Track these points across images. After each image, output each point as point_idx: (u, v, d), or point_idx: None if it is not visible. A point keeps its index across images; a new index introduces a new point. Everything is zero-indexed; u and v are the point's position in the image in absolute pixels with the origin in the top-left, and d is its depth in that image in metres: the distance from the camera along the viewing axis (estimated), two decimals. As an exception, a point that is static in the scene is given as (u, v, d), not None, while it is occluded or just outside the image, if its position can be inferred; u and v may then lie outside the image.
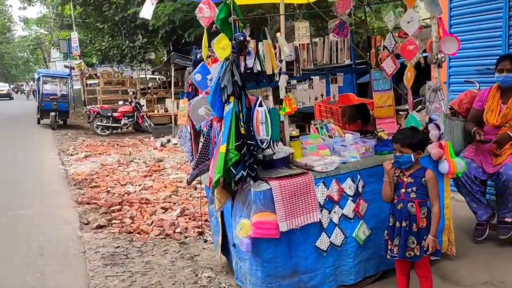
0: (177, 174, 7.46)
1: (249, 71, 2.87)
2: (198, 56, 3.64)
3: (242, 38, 2.70)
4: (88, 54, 27.68)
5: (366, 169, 3.07)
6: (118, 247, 4.15)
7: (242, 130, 2.74)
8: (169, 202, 5.74)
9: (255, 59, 2.82)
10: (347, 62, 4.09)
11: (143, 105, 15.45)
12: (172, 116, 13.27)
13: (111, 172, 7.60)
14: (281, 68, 3.03)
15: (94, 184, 6.72)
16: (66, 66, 24.38)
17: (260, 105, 2.84)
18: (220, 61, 2.82)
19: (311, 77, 3.92)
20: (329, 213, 2.97)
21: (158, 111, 16.58)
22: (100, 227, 4.78)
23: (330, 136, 3.60)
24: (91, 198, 5.89)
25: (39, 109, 15.92)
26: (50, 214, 5.22)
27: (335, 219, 2.99)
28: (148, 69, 24.19)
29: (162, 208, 5.44)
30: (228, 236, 3.33)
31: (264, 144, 2.85)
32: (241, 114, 2.76)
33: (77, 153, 9.78)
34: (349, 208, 3.02)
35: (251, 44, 2.80)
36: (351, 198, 3.02)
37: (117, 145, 11.17)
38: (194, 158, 3.59)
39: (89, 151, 9.92)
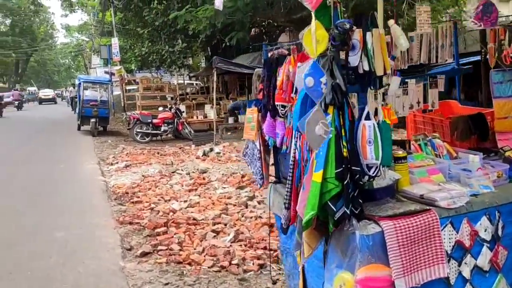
0: (224, 188, 6.80)
1: (351, 71, 2.14)
2: (269, 54, 2.94)
3: (348, 26, 1.97)
4: (127, 61, 27.77)
5: (507, 204, 2.27)
6: (167, 284, 3.48)
7: (345, 152, 2.00)
8: (220, 223, 5.06)
9: (361, 55, 2.08)
10: (449, 61, 3.28)
11: (183, 112, 14.97)
12: (214, 122, 12.70)
13: (154, 185, 7.01)
14: (392, 67, 2.28)
15: (136, 199, 6.14)
16: (106, 72, 24.40)
17: (367, 117, 2.10)
18: (312, 58, 2.09)
19: (406, 80, 3.16)
20: (459, 265, 2.18)
21: (197, 117, 16.06)
22: (144, 254, 4.14)
23: (437, 156, 2.81)
24: (133, 217, 5.28)
25: (79, 115, 15.74)
26: (89, 237, 4.64)
27: (466, 273, 2.19)
28: (187, 74, 23.89)
29: (213, 231, 4.76)
30: (310, 285, 2.59)
31: (372, 170, 2.10)
32: (343, 130, 2.02)
33: (117, 162, 9.30)
34: (484, 258, 2.22)
35: (357, 35, 2.07)
36: (487, 244, 2.22)
37: (158, 153, 10.65)
38: (265, 183, 2.88)
39: (130, 160, 9.43)
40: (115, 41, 21.86)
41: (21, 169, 8.70)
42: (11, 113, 28.40)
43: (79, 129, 16.22)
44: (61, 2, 27.42)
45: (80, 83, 16.04)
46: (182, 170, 8.23)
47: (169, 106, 15.07)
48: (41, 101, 46.37)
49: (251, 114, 2.96)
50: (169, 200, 6.10)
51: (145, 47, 21.18)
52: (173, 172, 8.07)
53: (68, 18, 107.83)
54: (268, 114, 2.76)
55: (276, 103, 2.63)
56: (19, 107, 33.40)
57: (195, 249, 4.29)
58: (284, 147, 2.60)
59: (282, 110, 2.60)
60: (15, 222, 5.24)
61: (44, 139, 14.85)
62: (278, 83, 2.61)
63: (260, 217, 5.26)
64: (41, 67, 68.99)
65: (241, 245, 4.36)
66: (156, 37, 20.57)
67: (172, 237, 4.63)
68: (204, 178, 7.49)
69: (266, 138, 2.83)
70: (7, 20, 49.98)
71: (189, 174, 7.93)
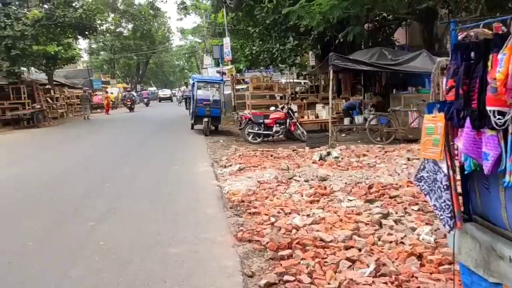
0: (350, 200, 5.94)
1: None
2: (460, 36, 2.05)
3: None
4: (237, 60, 28.09)
5: None
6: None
7: None
8: (353, 247, 4.24)
9: None
10: None
11: (295, 112, 14.32)
12: (329, 123, 11.82)
13: (271, 194, 6.40)
14: None
15: (254, 210, 5.55)
16: (218, 72, 24.79)
17: None
18: None
19: None
20: None
21: (308, 117, 15.30)
22: (269, 285, 3.48)
23: None
24: (252, 233, 4.68)
25: (193, 115, 15.92)
26: (205, 257, 4.11)
27: None
28: (297, 73, 23.29)
29: (348, 259, 3.95)
30: None
31: None
32: None
33: (230, 165, 8.92)
34: None
35: None
36: None
37: (271, 156, 10.11)
38: (458, 224, 2.01)
39: (243, 163, 8.98)
40: (226, 41, 22.02)
41: (141, 170, 8.70)
42: (141, 109, 34.23)
43: (192, 128, 16.44)
44: (177, 6, 28.72)
45: (194, 83, 16.21)
46: (299, 176, 7.53)
47: (280, 106, 14.52)
48: (161, 99, 54.69)
49: (433, 123, 2.10)
50: (290, 213, 5.41)
51: (256, 46, 21.06)
52: (290, 179, 7.40)
53: (182, 21, 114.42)
54: (467, 123, 1.89)
55: (488, 107, 1.75)
56: (147, 104, 42.01)
57: (329, 283, 3.52)
58: (507, 179, 1.69)
59: (499, 118, 1.71)
60: (136, 230, 4.95)
61: (161, 137, 15.28)
62: (499, 76, 1.70)
63: (402, 243, 4.33)
64: (159, 69, 73.83)
65: (386, 282, 3.49)
66: (267, 36, 20.28)
67: (299, 263, 3.91)
68: (325, 188, 6.70)
69: (462, 159, 1.95)
70: (130, 25, 54.03)
71: (307, 181, 7.21)
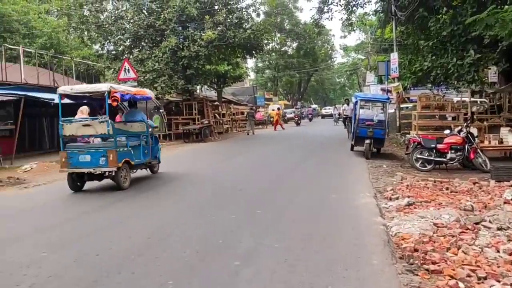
0: None
1: None
2: None
3: None
4: (402, 77, 26.12)
5: None
6: None
7: None
8: None
9: None
10: None
11: (476, 136, 12.21)
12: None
13: (454, 244, 5.05)
14: None
15: (432, 267, 4.34)
16: (382, 89, 23.28)
17: None
18: None
19: None
20: None
21: (489, 142, 12.96)
22: None
23: None
24: (435, 305, 3.53)
25: (353, 135, 14.90)
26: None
27: None
28: (479, 90, 20.48)
29: None
30: None
31: None
32: None
33: (397, 198, 7.67)
34: None
35: None
36: None
37: (446, 189, 8.51)
38: None
39: (412, 196, 7.65)
40: (394, 56, 20.48)
41: (295, 198, 8.04)
42: (305, 124, 38.72)
43: (352, 149, 15.41)
44: (341, 23, 28.20)
45: (356, 101, 15.18)
46: (490, 222, 5.95)
47: (457, 129, 12.56)
48: (323, 116, 57.14)
49: None
50: (485, 278, 4.06)
51: (428, 61, 19.07)
52: (477, 224, 5.89)
53: (346, 39, 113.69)
54: None
55: None
56: (310, 120, 47.37)
57: None
58: None
59: None
60: (283, 279, 4.18)
61: (318, 158, 14.61)
62: None
63: None
64: (320, 86, 74.27)
65: None
66: (441, 50, 18.19)
67: None
68: (530, 243, 5.08)
69: None
70: (294, 44, 55.43)
71: (503, 230, 5.62)
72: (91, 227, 6.17)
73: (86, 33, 24.78)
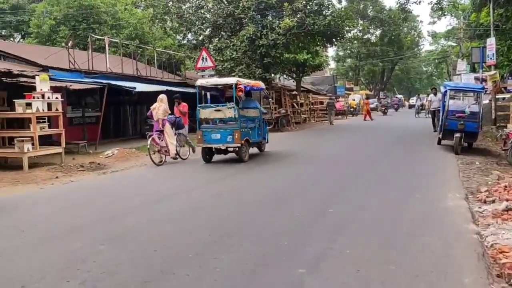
0: None
1: None
2: None
3: None
4: (499, 65, 23.70)
5: None
6: None
7: None
8: None
9: None
10: None
11: None
12: None
13: None
14: None
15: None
16: (476, 78, 21.25)
17: None
18: None
19: None
20: None
21: None
22: None
23: None
24: None
25: (441, 128, 13.61)
26: None
27: None
28: None
29: None
30: None
31: None
32: None
33: (493, 201, 6.68)
34: None
35: None
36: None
37: (555, 193, 7.29)
38: None
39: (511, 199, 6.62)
40: (491, 42, 18.51)
41: (372, 196, 7.31)
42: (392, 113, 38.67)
43: (439, 143, 14.13)
44: (431, 7, 26.13)
45: (445, 91, 13.83)
46: None
47: None
48: (410, 106, 53.29)
49: None
50: None
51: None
52: None
53: (435, 25, 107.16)
54: None
55: None
56: (396, 109, 46.17)
57: None
58: None
59: None
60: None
61: (401, 151, 13.57)
62: None
63: None
64: (404, 75, 70.58)
65: None
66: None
67: None
68: None
69: None
70: (378, 31, 52.98)
71: None
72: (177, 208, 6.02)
73: (168, 23, 25.37)
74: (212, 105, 12.81)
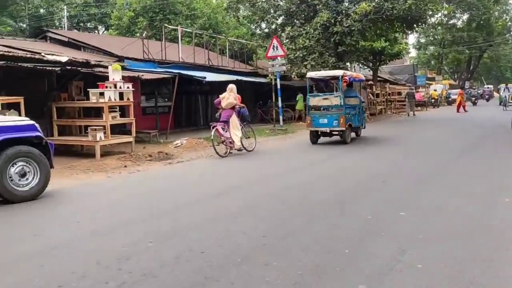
0: None
1: None
2: None
3: None
4: None
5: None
6: None
7: None
8: None
9: None
10: None
11: None
12: None
13: None
14: None
15: None
16: None
17: None
18: None
19: None
20: None
21: None
22: None
23: None
24: None
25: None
26: None
27: None
28: None
29: None
30: None
31: None
32: None
33: None
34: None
35: None
36: None
37: None
38: None
39: None
40: None
41: (451, 198, 6.48)
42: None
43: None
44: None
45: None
46: None
47: None
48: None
49: None
50: None
51: None
52: None
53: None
54: None
55: None
56: (488, 100, 46.04)
57: None
58: None
59: None
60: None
61: (487, 149, 12.24)
62: None
63: None
64: (494, 63, 65.21)
65: None
66: None
67: None
68: None
69: None
70: (465, 15, 49.16)
71: None
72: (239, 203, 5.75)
73: (241, 12, 25.23)
74: (320, 94, 14.75)
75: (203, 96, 21.42)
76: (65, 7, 31.06)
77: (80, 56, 15.36)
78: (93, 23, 35.07)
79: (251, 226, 5.14)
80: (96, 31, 34.89)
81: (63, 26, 32.02)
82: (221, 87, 21.13)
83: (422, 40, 52.94)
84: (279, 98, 18.14)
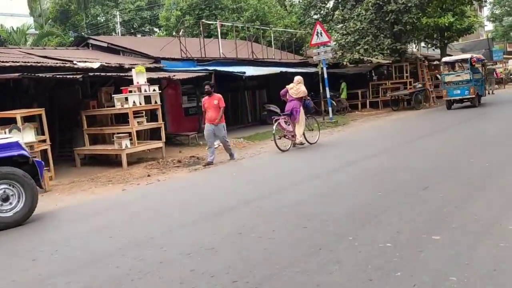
0: None
1: None
2: None
3: None
4: None
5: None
6: None
7: None
8: None
9: None
10: None
11: None
12: None
13: None
14: None
15: None
16: None
17: None
18: None
19: None
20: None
21: None
22: None
23: None
24: None
25: None
26: None
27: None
28: None
29: None
30: None
31: None
32: None
33: None
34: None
35: None
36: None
37: None
38: None
39: None
40: None
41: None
42: None
43: None
44: None
45: None
46: None
47: None
48: None
49: None
50: None
51: None
52: None
53: None
54: None
55: None
56: None
57: None
58: None
59: None
60: None
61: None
62: None
63: None
64: None
65: None
66: None
67: None
68: None
69: None
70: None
71: None
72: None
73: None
74: (453, 72, 19.36)
75: (250, 92, 20.46)
76: (117, 13, 31.50)
77: (117, 60, 15.01)
78: (147, 26, 35.39)
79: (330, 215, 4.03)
80: (151, 34, 35.17)
81: (117, 32, 32.61)
82: (270, 81, 20.15)
83: (497, 11, 47.93)
84: (327, 89, 16.68)
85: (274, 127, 10.91)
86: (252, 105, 20.58)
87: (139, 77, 11.36)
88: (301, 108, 11.19)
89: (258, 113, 20.41)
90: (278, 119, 11.06)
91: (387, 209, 5.15)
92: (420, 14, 20.88)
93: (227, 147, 10.81)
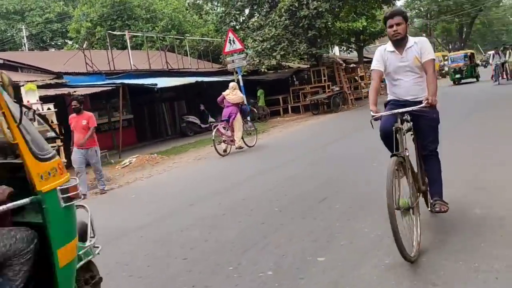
0: None
1: None
2: None
3: None
4: None
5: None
6: None
7: None
8: None
9: None
10: None
11: None
12: None
13: None
14: None
15: None
16: None
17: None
18: None
19: None
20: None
21: None
22: None
23: None
24: None
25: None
26: None
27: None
28: None
29: None
30: None
31: None
32: None
33: None
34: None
35: None
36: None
37: None
38: None
39: None
40: None
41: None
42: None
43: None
44: None
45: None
46: None
47: None
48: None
49: None
50: None
51: None
52: None
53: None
54: None
55: None
56: (485, 66, 41.61)
57: None
58: None
59: None
60: None
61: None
62: None
63: None
64: (487, 29, 62.81)
65: None
66: None
67: None
68: None
69: None
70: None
71: None
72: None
73: (205, 6, 23.48)
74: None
75: (167, 104, 19.73)
76: (23, 27, 29.38)
77: (14, 78, 13.68)
78: (59, 40, 33.40)
79: None
80: (62, 48, 33.22)
81: (25, 47, 30.41)
82: (188, 91, 19.52)
83: (408, 14, 50.70)
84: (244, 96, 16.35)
85: (213, 133, 11.31)
86: (171, 117, 19.86)
87: (29, 95, 10.33)
88: (238, 113, 11.56)
89: (178, 125, 19.71)
90: (217, 125, 11.51)
91: (279, 228, 4.76)
92: (333, 19, 21.29)
93: (99, 177, 8.98)
